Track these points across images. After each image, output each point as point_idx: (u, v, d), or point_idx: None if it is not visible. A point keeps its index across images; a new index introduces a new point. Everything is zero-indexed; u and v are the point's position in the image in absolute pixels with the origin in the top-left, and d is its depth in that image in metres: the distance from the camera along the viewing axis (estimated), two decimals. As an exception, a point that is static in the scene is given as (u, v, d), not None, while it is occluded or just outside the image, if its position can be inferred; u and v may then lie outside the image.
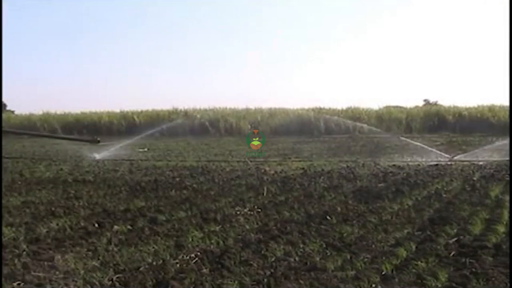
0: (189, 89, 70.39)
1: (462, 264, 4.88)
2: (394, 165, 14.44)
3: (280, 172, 12.92)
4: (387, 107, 38.59)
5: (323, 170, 13.31)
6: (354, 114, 35.28)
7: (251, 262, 4.97)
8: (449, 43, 74.73)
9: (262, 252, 5.34)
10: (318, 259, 5.12)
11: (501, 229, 6.30)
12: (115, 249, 5.51)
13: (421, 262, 4.92)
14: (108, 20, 78.43)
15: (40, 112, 41.08)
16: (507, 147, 14.85)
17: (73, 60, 73.45)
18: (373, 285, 4.36)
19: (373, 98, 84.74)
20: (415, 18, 77.73)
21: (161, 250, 5.47)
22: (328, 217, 7.07)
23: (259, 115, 35.84)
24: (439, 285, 4.35)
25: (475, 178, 11.27)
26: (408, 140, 22.19)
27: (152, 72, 73.56)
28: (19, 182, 11.14)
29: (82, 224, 6.81)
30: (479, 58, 76.05)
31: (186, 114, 37.19)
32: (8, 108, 48.30)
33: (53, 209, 7.81)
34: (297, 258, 5.17)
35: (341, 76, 73.74)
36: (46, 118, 38.99)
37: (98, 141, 14.27)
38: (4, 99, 44.99)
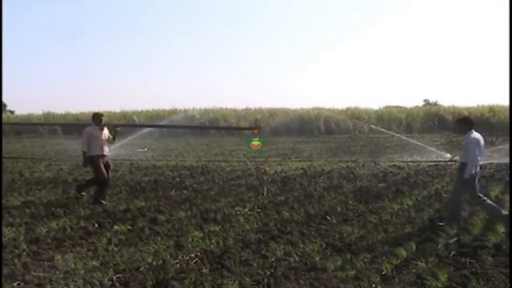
0: (189, 89, 70.55)
1: (462, 264, 4.89)
2: (394, 165, 14.43)
3: (280, 172, 12.92)
4: (387, 107, 38.58)
5: (323, 170, 13.31)
6: (354, 114, 35.24)
7: (251, 262, 4.97)
8: (449, 43, 74.96)
9: (262, 252, 5.34)
10: (318, 259, 5.13)
11: (501, 229, 6.30)
12: (115, 249, 5.52)
13: (421, 262, 4.93)
14: (108, 20, 78.68)
15: (40, 112, 41.09)
16: (507, 147, 14.84)
17: (73, 60, 73.79)
18: (373, 285, 4.37)
19: (373, 98, 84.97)
20: (415, 18, 77.93)
21: (161, 250, 5.48)
22: (328, 217, 7.08)
23: (259, 115, 35.76)
24: (439, 285, 4.35)
25: (475, 178, 11.26)
26: (409, 139, 22.17)
27: (152, 72, 73.78)
28: (19, 182, 11.15)
29: (82, 224, 6.82)
30: (478, 58, 76.27)
31: (186, 114, 37.15)
32: (8, 108, 48.27)
33: (53, 209, 7.83)
34: (297, 258, 5.18)
35: (342, 76, 74.06)
36: (46, 118, 38.95)
37: (261, 128, 14.34)
38: (4, 99, 45.05)
